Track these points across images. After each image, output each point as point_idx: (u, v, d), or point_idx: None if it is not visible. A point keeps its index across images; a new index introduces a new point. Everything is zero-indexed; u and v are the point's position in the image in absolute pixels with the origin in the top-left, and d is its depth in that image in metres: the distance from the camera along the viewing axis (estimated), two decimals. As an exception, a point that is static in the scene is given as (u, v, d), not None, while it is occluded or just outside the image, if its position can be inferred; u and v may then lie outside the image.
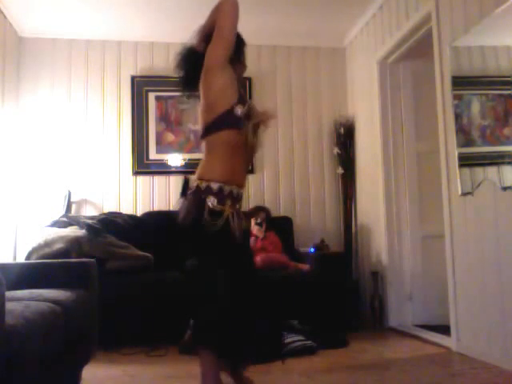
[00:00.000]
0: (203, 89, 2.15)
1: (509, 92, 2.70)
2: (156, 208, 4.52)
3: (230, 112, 2.11)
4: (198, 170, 2.14)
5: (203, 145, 2.17)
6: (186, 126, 4.64)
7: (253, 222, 4.15)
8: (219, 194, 2.07)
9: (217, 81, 2.13)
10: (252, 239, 4.06)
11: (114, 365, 2.93)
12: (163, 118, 4.61)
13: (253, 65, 4.82)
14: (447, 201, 3.17)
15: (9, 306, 1.52)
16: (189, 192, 2.10)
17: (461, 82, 3.06)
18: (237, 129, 2.12)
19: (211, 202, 2.06)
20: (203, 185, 2.07)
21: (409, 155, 4.13)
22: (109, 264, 3.56)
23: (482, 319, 2.83)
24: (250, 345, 2.16)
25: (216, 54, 2.13)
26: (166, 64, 4.69)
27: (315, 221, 4.76)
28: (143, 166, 4.57)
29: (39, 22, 4.32)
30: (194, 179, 2.12)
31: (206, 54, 2.16)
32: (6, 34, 4.16)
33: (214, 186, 2.07)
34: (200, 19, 4.61)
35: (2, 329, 1.35)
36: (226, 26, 2.12)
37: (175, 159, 4.58)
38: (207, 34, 2.22)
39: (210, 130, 2.13)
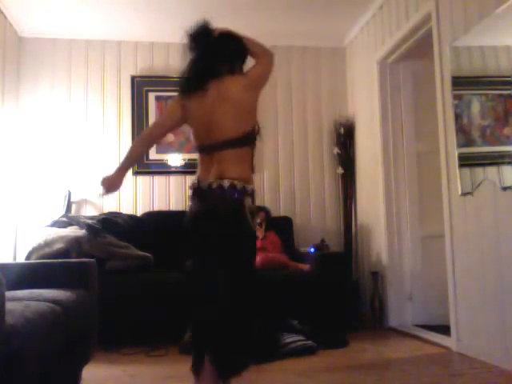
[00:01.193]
0: (249, 98, 2.24)
1: (509, 92, 2.70)
2: (156, 208, 4.52)
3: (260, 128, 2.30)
4: (240, 172, 2.21)
5: (235, 152, 2.22)
6: (185, 126, 4.62)
7: (253, 222, 4.14)
8: (252, 196, 2.25)
9: (258, 97, 2.29)
10: (252, 239, 4.04)
11: (114, 365, 2.93)
12: (163, 118, 4.61)
13: (253, 65, 4.82)
14: (447, 201, 3.17)
15: (9, 305, 1.52)
16: (233, 190, 2.14)
17: (461, 82, 3.06)
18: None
19: (248, 202, 2.20)
20: (249, 187, 2.21)
21: (409, 155, 4.13)
22: (109, 264, 3.56)
23: (482, 319, 2.83)
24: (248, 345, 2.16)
25: (267, 76, 2.33)
26: (165, 64, 4.69)
27: (315, 221, 4.76)
28: (143, 165, 4.56)
29: (39, 22, 4.32)
30: (231, 180, 2.16)
31: (263, 69, 2.33)
32: (6, 34, 4.16)
33: (250, 188, 2.22)
34: (199, 19, 4.58)
35: (2, 329, 1.35)
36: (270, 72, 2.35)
37: (175, 159, 4.58)
38: (235, 39, 2.31)
39: (246, 140, 2.25)
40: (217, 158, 2.18)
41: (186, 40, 2.32)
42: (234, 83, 2.22)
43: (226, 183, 2.13)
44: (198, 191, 2.19)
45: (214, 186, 2.13)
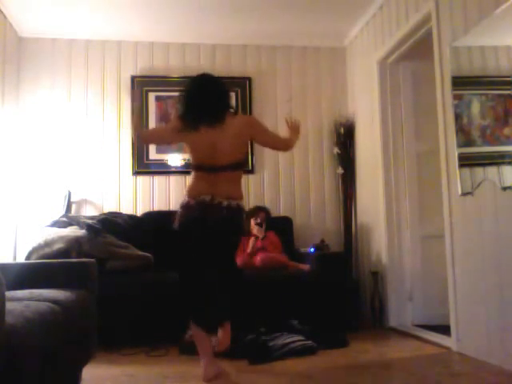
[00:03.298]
0: (246, 139, 2.89)
1: (509, 92, 2.70)
2: (156, 208, 4.51)
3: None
4: (237, 192, 2.74)
5: (226, 174, 2.70)
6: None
7: (253, 222, 4.15)
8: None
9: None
10: (252, 239, 4.06)
11: (114, 365, 2.93)
12: (163, 117, 4.61)
13: (253, 65, 4.83)
14: (447, 201, 3.17)
15: (9, 305, 1.52)
16: (231, 208, 2.67)
17: (461, 82, 3.06)
18: None
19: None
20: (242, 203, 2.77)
21: (409, 155, 4.12)
22: (109, 264, 3.56)
23: (482, 319, 2.83)
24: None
25: (271, 143, 3.04)
26: (165, 64, 4.70)
27: (315, 221, 4.76)
28: (143, 165, 4.56)
29: (39, 22, 4.32)
30: (230, 198, 2.67)
31: (267, 136, 2.94)
32: (6, 34, 4.15)
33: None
34: (200, 19, 4.62)
35: (1, 328, 1.35)
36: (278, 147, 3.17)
37: (175, 159, 4.58)
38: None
39: (242, 165, 2.88)
40: (221, 178, 2.67)
41: (197, 79, 2.80)
42: (239, 122, 2.78)
43: (234, 203, 2.68)
44: (206, 205, 2.63)
45: (225, 203, 2.65)
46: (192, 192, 2.69)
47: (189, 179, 4.60)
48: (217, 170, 2.68)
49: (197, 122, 2.70)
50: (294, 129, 2.97)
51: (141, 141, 3.03)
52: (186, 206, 2.68)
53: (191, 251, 2.72)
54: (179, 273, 2.87)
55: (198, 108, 2.72)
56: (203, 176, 2.70)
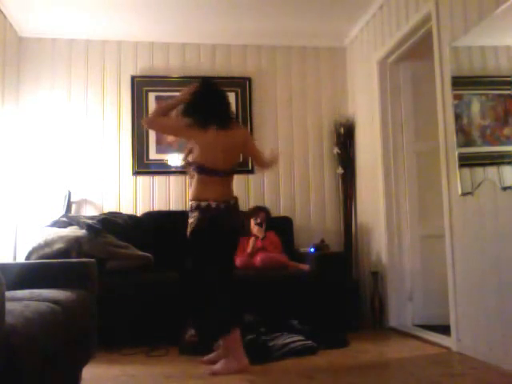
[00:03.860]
0: (239, 150, 3.07)
1: (509, 92, 2.70)
2: (156, 208, 4.51)
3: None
4: (231, 192, 2.93)
5: (227, 178, 2.92)
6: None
7: (253, 222, 4.15)
8: None
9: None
10: (252, 239, 4.06)
11: (114, 365, 2.92)
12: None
13: (253, 65, 4.83)
14: (447, 201, 3.17)
15: (9, 305, 1.52)
16: (229, 207, 2.86)
17: (461, 82, 3.06)
18: None
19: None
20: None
21: (408, 155, 4.13)
22: (109, 264, 3.56)
23: (482, 319, 2.83)
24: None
25: (257, 157, 3.13)
26: (165, 64, 4.70)
27: (315, 221, 4.76)
28: (143, 165, 4.56)
29: (39, 21, 4.32)
30: (228, 196, 2.88)
31: (255, 150, 3.10)
32: (6, 34, 4.15)
33: None
34: (199, 19, 4.62)
35: (1, 328, 1.35)
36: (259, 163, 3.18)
37: (175, 159, 4.58)
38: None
39: (234, 170, 3.02)
40: (225, 181, 2.89)
41: (206, 86, 2.95)
42: (239, 132, 3.03)
43: (232, 202, 2.89)
44: (213, 207, 2.79)
45: (226, 204, 2.83)
46: (201, 196, 2.83)
47: (188, 179, 4.60)
48: (221, 174, 2.87)
49: (207, 121, 2.83)
50: (274, 158, 3.13)
51: (152, 120, 3.02)
52: (201, 210, 2.80)
53: (197, 252, 2.83)
54: (180, 273, 2.94)
55: (210, 109, 2.87)
56: (209, 180, 2.85)
